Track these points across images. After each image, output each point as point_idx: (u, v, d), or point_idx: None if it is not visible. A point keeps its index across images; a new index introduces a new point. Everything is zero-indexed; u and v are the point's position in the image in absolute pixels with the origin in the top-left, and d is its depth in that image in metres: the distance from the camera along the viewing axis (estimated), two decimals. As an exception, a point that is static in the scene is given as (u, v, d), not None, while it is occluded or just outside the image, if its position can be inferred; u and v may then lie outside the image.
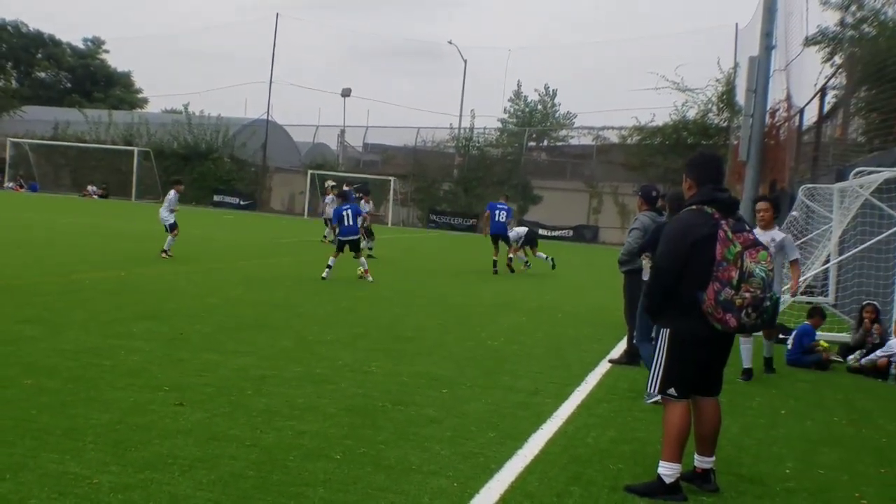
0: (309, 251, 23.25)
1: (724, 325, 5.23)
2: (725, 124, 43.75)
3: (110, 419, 6.15)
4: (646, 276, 8.45)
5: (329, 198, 26.71)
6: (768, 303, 5.21)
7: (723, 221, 5.34)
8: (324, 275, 16.59)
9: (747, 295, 5.14)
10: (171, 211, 18.86)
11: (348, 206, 17.37)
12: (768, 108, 22.72)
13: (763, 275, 5.19)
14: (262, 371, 8.12)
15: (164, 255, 18.07)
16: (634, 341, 9.19)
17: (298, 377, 8.00)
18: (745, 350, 9.75)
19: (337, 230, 17.78)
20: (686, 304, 5.33)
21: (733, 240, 5.25)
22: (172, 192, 19.31)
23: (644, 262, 8.59)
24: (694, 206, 5.49)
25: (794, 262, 10.15)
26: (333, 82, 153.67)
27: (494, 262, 21.29)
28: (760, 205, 10.13)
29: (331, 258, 17.03)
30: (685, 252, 5.32)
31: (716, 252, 5.23)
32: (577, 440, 6.68)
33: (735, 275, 5.17)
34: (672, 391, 5.47)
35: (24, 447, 5.42)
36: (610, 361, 10.21)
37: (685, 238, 5.35)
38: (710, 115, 44.63)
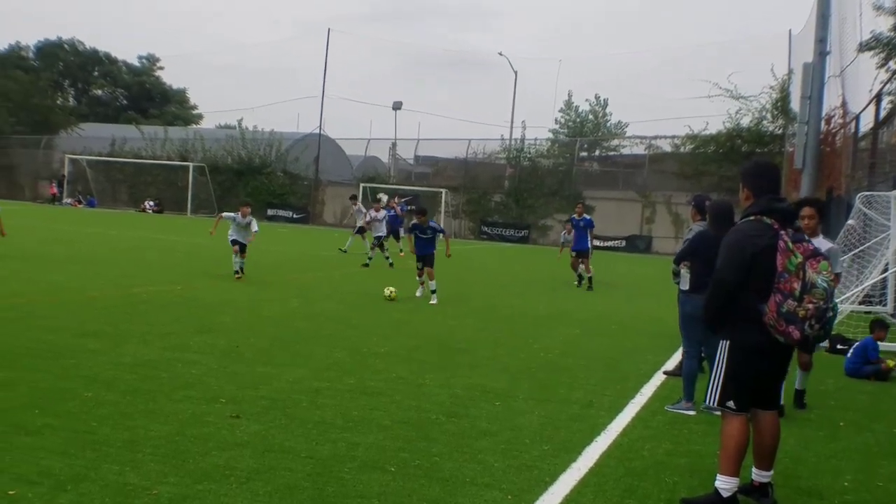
0: (361, 263, 23.35)
1: (786, 338, 5.16)
2: (780, 131, 43.12)
3: (169, 431, 6.24)
4: (684, 286, 8.37)
5: (372, 211, 26.29)
6: (831, 314, 5.13)
7: (782, 232, 5.27)
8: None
9: (810, 306, 5.06)
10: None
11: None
12: (823, 114, 22.41)
13: (825, 285, 5.11)
14: (317, 383, 8.18)
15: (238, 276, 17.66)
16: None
17: (352, 389, 8.04)
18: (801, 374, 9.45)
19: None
20: (747, 316, 5.26)
21: (794, 250, 5.17)
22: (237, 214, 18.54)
23: (682, 271, 8.47)
24: (752, 217, 5.41)
25: (836, 277, 9.83)
26: (384, 95, 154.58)
27: (580, 277, 21.30)
28: (805, 210, 8.86)
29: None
30: (746, 263, 5.26)
31: (776, 263, 5.16)
32: (633, 453, 6.62)
33: (797, 286, 5.09)
34: (731, 404, 5.40)
35: (86, 458, 5.51)
36: (665, 373, 10.11)
37: (746, 249, 5.28)
38: (765, 122, 44.02)
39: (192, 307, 13.08)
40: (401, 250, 27.08)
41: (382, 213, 25.78)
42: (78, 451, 5.66)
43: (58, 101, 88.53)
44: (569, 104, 70.51)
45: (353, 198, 30.96)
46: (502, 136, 60.02)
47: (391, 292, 15.78)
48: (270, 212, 53.35)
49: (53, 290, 13.77)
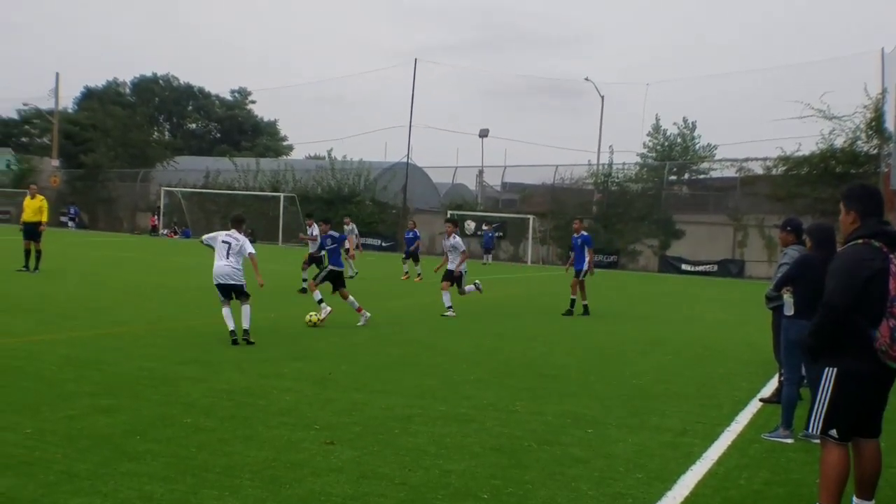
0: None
1: (898, 363, 5.05)
2: (875, 151, 41.99)
3: (265, 457, 6.35)
4: (788, 312, 8.18)
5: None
6: None
7: (892, 255, 5.16)
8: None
9: (924, 330, 4.95)
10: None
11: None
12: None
13: None
14: (409, 410, 8.24)
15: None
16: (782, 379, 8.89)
17: (444, 416, 8.07)
18: None
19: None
20: (856, 342, 5.15)
21: (906, 274, 5.06)
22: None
23: (785, 296, 8.29)
24: (861, 240, 5.30)
25: None
26: (471, 123, 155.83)
27: (573, 301, 19.44)
28: None
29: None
30: (858, 287, 5.14)
31: (888, 287, 5.04)
32: (729, 482, 6.50)
33: (911, 310, 4.98)
34: (833, 432, 5.27)
35: (186, 484, 5.65)
36: (761, 400, 9.90)
37: (858, 273, 5.16)
38: (859, 142, 42.93)
39: (285, 334, 13.31)
40: (418, 274, 28.03)
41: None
42: (179, 476, 5.81)
43: (154, 136, 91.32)
44: (657, 128, 69.78)
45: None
46: (589, 161, 59.53)
47: (311, 318, 14.58)
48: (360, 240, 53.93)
49: (154, 320, 14.16)
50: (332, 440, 6.94)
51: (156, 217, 60.97)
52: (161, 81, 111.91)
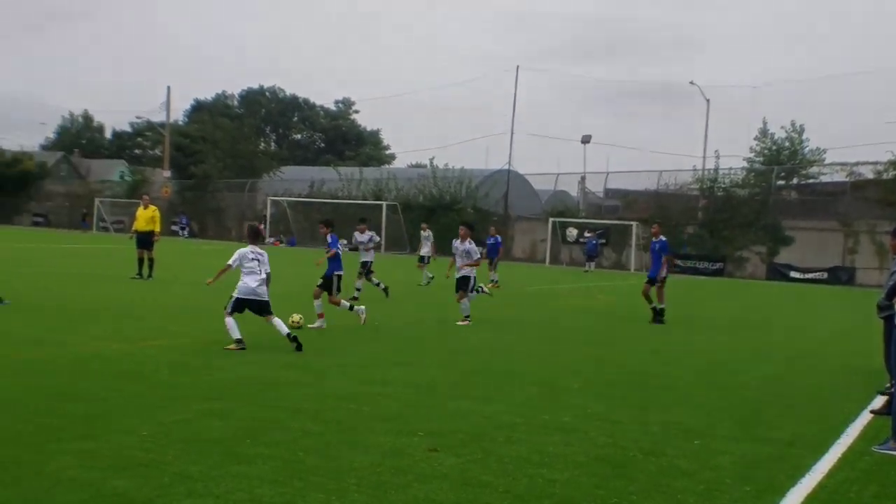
0: (553, 298, 23.35)
1: None
2: None
3: (371, 462, 6.45)
4: None
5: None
6: None
7: None
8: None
9: None
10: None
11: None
12: None
13: None
14: (512, 418, 8.24)
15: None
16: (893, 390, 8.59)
17: (547, 425, 8.06)
18: None
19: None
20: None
21: None
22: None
23: None
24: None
25: None
26: (573, 129, 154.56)
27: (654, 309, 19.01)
28: None
29: None
30: None
31: None
32: (839, 495, 6.33)
33: None
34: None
35: (293, 487, 5.78)
36: (872, 412, 9.59)
37: None
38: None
39: (387, 341, 13.48)
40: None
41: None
42: (287, 479, 5.94)
43: (261, 146, 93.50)
44: (764, 132, 68.23)
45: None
46: (694, 166, 58.53)
47: (296, 320, 14.03)
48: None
49: (259, 326, 14.49)
50: (435, 447, 7.00)
51: (262, 226, 62.35)
52: (267, 93, 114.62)
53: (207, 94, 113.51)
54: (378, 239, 18.49)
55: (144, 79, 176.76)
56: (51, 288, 19.59)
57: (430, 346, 13.11)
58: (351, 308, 15.16)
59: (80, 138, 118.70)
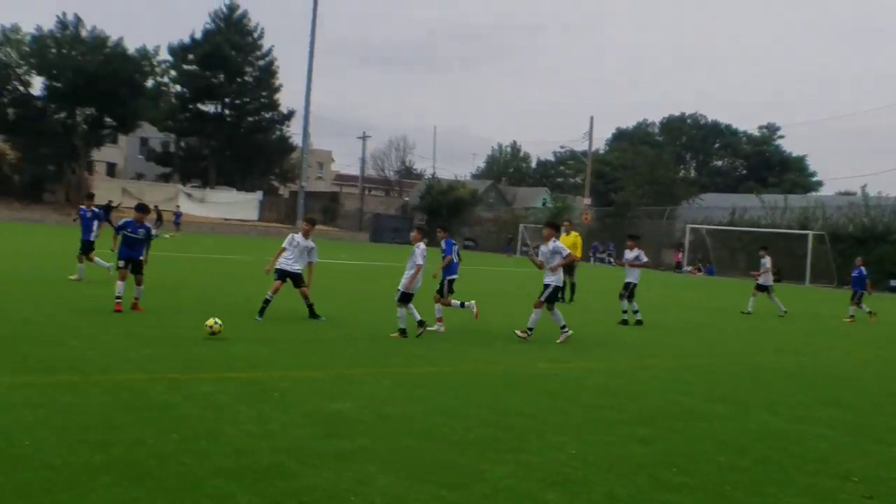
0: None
1: None
2: None
3: (801, 504, 6.20)
4: None
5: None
6: None
7: None
8: None
9: None
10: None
11: None
12: None
13: None
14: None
15: None
16: None
17: None
18: None
19: None
20: None
21: None
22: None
23: None
24: None
25: None
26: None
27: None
28: None
29: None
30: None
31: None
32: None
33: None
34: None
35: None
36: None
37: None
38: None
39: (815, 377, 12.85)
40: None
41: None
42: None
43: (680, 173, 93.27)
44: None
45: None
46: None
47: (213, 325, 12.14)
48: (893, 282, 49.75)
49: (680, 355, 14.48)
50: (870, 494, 6.58)
51: (680, 253, 61.99)
52: (688, 120, 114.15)
53: (629, 123, 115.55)
54: (645, 259, 18.07)
55: (570, 109, 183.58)
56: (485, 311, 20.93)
57: (861, 386, 12.28)
58: (462, 305, 15.67)
59: (507, 167, 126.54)
